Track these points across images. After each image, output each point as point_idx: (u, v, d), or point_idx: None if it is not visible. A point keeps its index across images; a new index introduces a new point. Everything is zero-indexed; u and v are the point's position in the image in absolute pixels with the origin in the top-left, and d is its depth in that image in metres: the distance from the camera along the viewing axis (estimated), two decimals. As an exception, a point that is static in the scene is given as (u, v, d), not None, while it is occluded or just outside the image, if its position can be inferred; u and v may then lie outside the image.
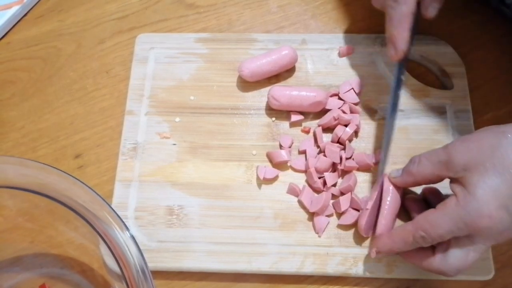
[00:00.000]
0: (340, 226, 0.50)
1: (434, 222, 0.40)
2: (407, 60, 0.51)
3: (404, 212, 0.49)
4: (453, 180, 0.42)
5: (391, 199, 0.47)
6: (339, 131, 0.52)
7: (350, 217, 0.49)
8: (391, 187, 0.47)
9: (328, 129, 0.54)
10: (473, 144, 0.40)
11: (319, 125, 0.54)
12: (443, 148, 0.42)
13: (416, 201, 0.48)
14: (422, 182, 0.45)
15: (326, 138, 0.54)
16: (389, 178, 0.47)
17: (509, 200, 0.38)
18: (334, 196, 0.51)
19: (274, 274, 0.49)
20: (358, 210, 0.50)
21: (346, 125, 0.53)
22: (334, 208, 0.50)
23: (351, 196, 0.50)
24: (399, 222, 0.49)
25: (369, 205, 0.47)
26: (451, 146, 0.42)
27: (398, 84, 0.51)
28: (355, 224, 0.49)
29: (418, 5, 0.49)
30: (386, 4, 0.48)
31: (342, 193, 0.50)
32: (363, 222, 0.47)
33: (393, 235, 0.44)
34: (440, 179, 0.44)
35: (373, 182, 0.51)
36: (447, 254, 0.41)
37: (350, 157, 0.52)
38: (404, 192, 0.48)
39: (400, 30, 0.48)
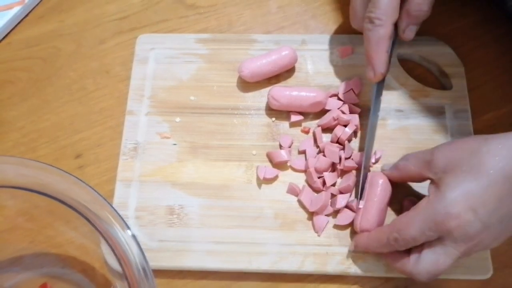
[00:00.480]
0: (338, 226, 0.50)
1: (406, 222, 0.41)
2: (384, 82, 0.52)
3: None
4: (431, 182, 0.43)
5: (377, 194, 0.47)
6: (339, 131, 0.52)
7: (346, 217, 0.49)
8: (380, 182, 0.48)
9: (327, 129, 0.54)
10: (455, 147, 0.41)
11: (318, 125, 0.54)
12: (431, 149, 0.44)
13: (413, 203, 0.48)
14: (406, 179, 0.47)
15: (325, 138, 0.54)
16: (381, 170, 0.50)
17: (479, 205, 0.38)
18: (333, 196, 0.51)
19: (274, 272, 0.49)
20: (354, 211, 0.50)
21: (345, 125, 0.53)
22: (331, 206, 0.50)
23: (349, 196, 0.50)
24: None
25: (361, 204, 0.48)
26: (437, 148, 0.43)
27: (376, 106, 0.52)
28: (352, 224, 0.49)
29: (396, 26, 0.49)
30: (364, 26, 0.49)
31: (341, 193, 0.51)
32: (358, 221, 0.47)
33: (371, 235, 0.45)
34: (422, 179, 0.45)
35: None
36: (419, 257, 0.41)
37: (349, 157, 0.52)
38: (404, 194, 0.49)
39: (378, 53, 0.48)
